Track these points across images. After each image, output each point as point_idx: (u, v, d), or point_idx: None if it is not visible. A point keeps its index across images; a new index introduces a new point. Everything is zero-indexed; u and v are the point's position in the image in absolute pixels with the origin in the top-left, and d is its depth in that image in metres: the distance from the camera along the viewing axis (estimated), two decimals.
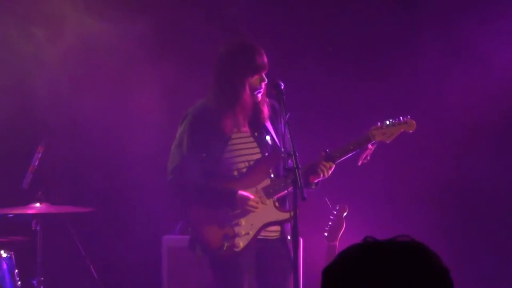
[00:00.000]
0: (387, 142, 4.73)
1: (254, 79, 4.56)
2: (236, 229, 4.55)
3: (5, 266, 5.19)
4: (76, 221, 5.92)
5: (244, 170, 4.61)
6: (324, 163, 4.60)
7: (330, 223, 5.32)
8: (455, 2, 6.21)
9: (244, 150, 4.63)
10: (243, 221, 4.56)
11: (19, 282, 5.22)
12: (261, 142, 4.66)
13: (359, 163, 4.74)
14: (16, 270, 5.23)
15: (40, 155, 5.56)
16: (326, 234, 5.32)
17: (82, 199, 5.84)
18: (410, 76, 6.21)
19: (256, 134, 4.66)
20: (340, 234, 5.29)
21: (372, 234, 1.70)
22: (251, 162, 4.62)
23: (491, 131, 6.20)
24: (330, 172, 4.61)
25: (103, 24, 6.01)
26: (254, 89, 4.57)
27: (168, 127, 5.78)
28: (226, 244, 4.51)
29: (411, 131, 4.75)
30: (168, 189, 4.66)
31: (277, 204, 4.61)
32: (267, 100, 4.68)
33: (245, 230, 4.55)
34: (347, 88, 6.19)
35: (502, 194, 6.17)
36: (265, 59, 4.58)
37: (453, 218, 6.21)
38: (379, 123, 4.72)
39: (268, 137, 4.68)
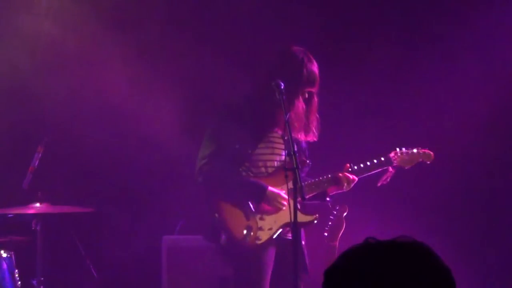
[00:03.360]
0: (406, 168, 4.98)
1: (307, 90, 4.65)
2: (260, 222, 4.62)
3: (5, 266, 5.18)
4: (76, 221, 5.92)
5: (273, 168, 4.70)
6: (348, 176, 4.74)
7: (330, 223, 5.32)
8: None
9: (276, 149, 4.73)
10: (266, 217, 4.64)
11: (19, 282, 5.22)
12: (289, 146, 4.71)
13: (379, 184, 4.96)
14: (16, 270, 5.22)
15: (40, 155, 5.55)
16: (326, 234, 5.32)
17: (82, 199, 5.84)
18: (415, 77, 6.21)
19: (286, 138, 4.68)
20: (340, 234, 5.29)
21: (372, 234, 1.70)
22: (281, 162, 4.69)
23: (493, 132, 6.21)
24: (351, 186, 4.76)
25: (102, 22, 6.02)
26: (304, 99, 4.66)
27: (169, 127, 5.80)
28: (249, 235, 4.57)
29: (428, 162, 5.03)
30: (198, 174, 4.67)
31: (300, 206, 4.65)
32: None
33: (268, 225, 4.63)
34: (347, 88, 6.19)
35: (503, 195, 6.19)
36: (318, 74, 4.69)
37: (453, 218, 6.21)
38: (397, 149, 4.94)
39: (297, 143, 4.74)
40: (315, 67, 4.70)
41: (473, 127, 6.16)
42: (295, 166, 4.18)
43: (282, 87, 4.48)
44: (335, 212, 5.34)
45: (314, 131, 4.77)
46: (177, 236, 5.80)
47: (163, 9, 6.19)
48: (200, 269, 5.58)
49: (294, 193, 4.22)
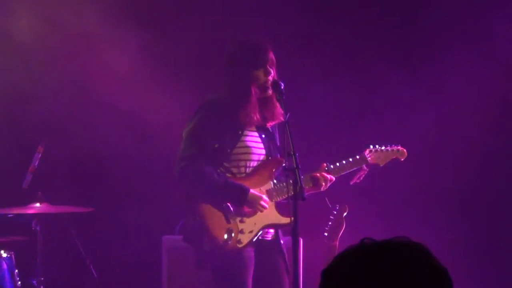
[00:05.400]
0: (380, 165, 4.98)
1: (259, 72, 4.56)
2: (241, 225, 4.56)
3: (5, 266, 5.19)
4: (76, 221, 5.92)
5: (252, 169, 4.65)
6: (326, 175, 4.68)
7: (330, 223, 5.32)
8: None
9: (254, 148, 4.67)
10: (246, 219, 4.58)
11: (19, 282, 5.23)
12: (267, 144, 4.69)
13: (352, 182, 4.95)
14: (16, 270, 5.23)
15: (40, 155, 5.56)
16: (326, 234, 5.31)
17: (82, 199, 5.84)
18: (421, 77, 6.22)
19: (263, 136, 4.67)
20: (340, 234, 5.29)
21: (372, 234, 1.70)
22: (259, 162, 4.67)
23: (493, 130, 6.20)
24: (328, 186, 4.72)
25: (102, 21, 6.02)
26: (260, 83, 4.58)
27: (169, 126, 5.80)
28: (230, 239, 4.51)
29: (402, 159, 5.05)
30: (178, 176, 4.57)
31: (278, 208, 4.64)
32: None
33: (249, 228, 4.57)
34: (347, 90, 6.19)
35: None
36: (270, 54, 4.62)
37: (452, 218, 6.21)
38: (371, 147, 4.92)
39: (272, 141, 4.71)
40: (263, 49, 4.63)
41: (471, 126, 6.15)
42: (295, 166, 4.18)
43: (282, 87, 4.48)
44: (335, 212, 5.34)
45: (277, 115, 4.62)
46: (177, 236, 5.79)
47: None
48: (200, 269, 5.57)
49: (294, 193, 4.21)
